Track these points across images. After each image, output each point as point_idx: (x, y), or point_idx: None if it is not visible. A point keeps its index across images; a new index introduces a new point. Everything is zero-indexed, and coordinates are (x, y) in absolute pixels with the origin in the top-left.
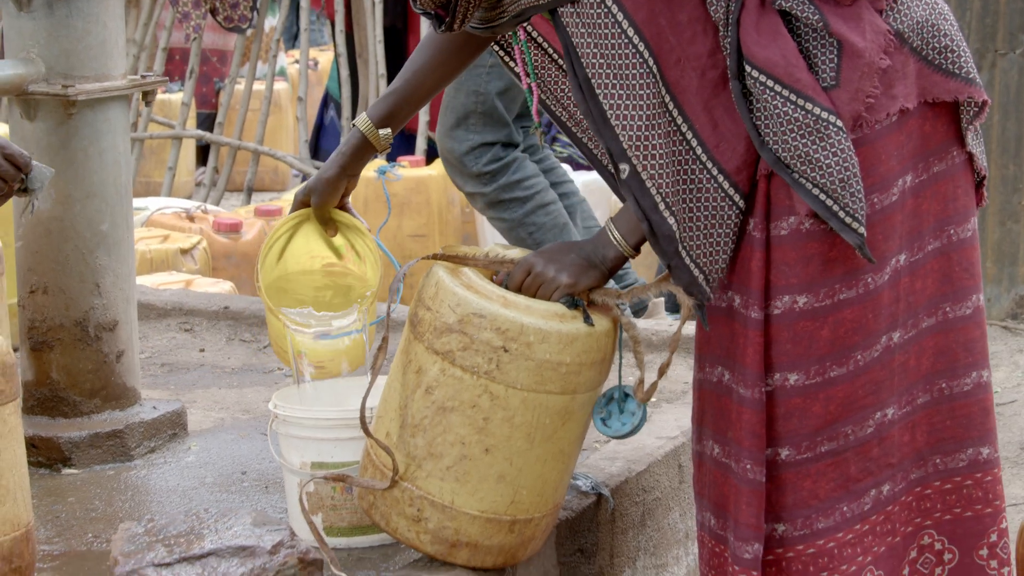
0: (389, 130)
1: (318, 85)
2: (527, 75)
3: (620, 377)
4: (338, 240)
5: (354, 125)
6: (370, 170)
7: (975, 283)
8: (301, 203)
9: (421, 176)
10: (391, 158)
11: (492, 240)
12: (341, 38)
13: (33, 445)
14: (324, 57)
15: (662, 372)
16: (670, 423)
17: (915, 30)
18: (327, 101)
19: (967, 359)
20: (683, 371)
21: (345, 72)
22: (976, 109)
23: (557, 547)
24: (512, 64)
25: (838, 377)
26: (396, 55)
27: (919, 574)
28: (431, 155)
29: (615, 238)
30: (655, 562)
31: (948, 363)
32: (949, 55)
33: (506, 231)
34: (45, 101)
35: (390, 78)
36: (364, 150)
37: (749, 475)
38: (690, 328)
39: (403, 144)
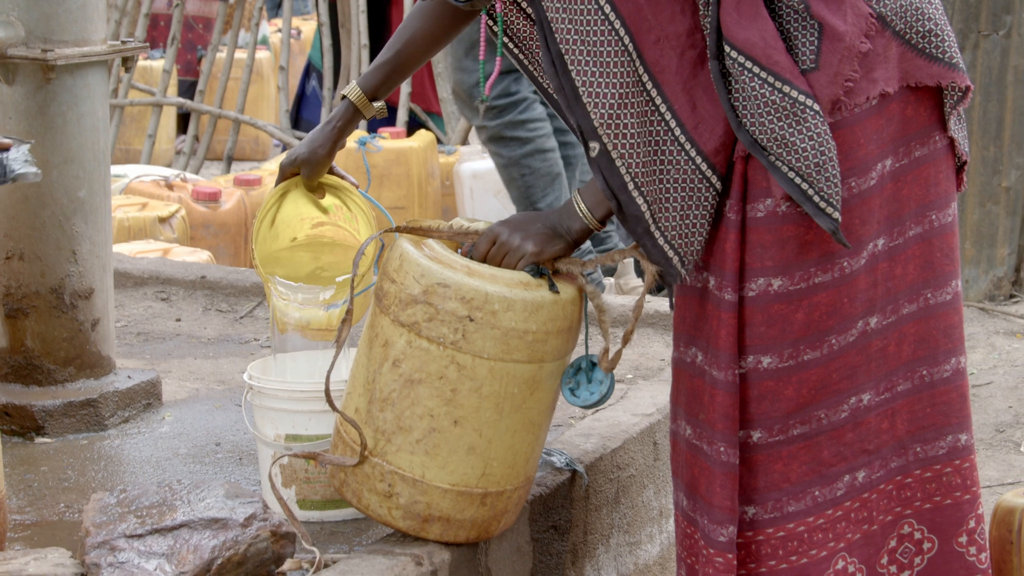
0: (382, 102)
1: (300, 55)
2: (487, 49)
3: (587, 347)
4: (327, 201)
5: (344, 96)
6: (350, 141)
7: (954, 268)
8: (289, 174)
9: (402, 148)
10: (372, 129)
11: (472, 213)
12: (324, 7)
13: (6, 413)
14: (307, 26)
15: (626, 340)
16: (645, 400)
17: (898, 13)
18: (309, 71)
19: (947, 345)
20: (659, 348)
21: (328, 42)
22: (959, 94)
23: (531, 523)
24: (507, 42)
25: (812, 361)
26: (379, 26)
27: (898, 563)
28: (412, 127)
29: (581, 210)
30: (629, 539)
31: (929, 350)
32: (933, 39)
33: (501, 167)
34: (24, 65)
35: (373, 48)
36: (355, 121)
37: (722, 457)
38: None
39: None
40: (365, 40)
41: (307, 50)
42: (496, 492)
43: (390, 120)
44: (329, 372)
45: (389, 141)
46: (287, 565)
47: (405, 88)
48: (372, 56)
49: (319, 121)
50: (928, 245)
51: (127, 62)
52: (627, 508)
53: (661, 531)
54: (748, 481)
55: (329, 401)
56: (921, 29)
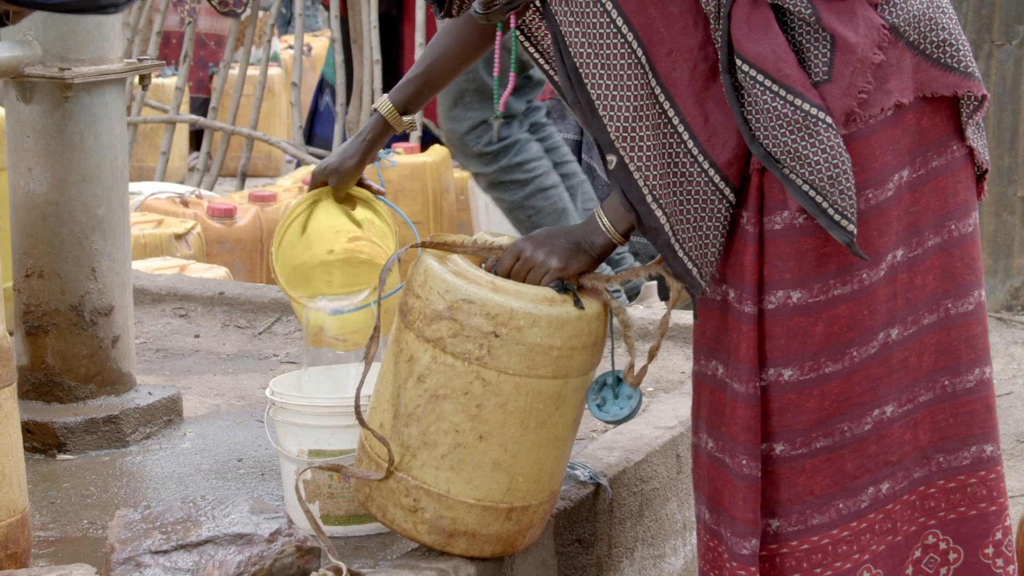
0: (413, 116)
1: (311, 71)
2: (501, 63)
3: (613, 362)
4: (360, 214)
5: (375, 110)
6: None
7: (976, 279)
8: (320, 182)
9: (416, 163)
10: (386, 144)
11: (487, 228)
12: (336, 23)
13: (28, 430)
14: (318, 43)
15: (652, 356)
16: (668, 413)
17: (912, 24)
18: (322, 87)
19: (969, 356)
20: (680, 361)
21: (340, 58)
22: (975, 103)
23: (555, 537)
24: (532, 51)
25: (833, 373)
26: (391, 41)
27: (924, 573)
28: (426, 142)
29: (604, 225)
30: (653, 552)
31: (951, 360)
32: (947, 49)
33: (506, 211)
34: (41, 84)
35: (385, 64)
36: (385, 134)
37: (744, 470)
38: (689, 317)
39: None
40: (377, 56)
41: (318, 66)
42: (521, 507)
43: (404, 135)
44: (359, 388)
45: (404, 156)
46: None
47: None
48: (384, 72)
49: (332, 137)
50: (948, 255)
51: (143, 80)
52: (651, 521)
53: (685, 544)
54: (772, 494)
55: (358, 416)
56: (935, 39)
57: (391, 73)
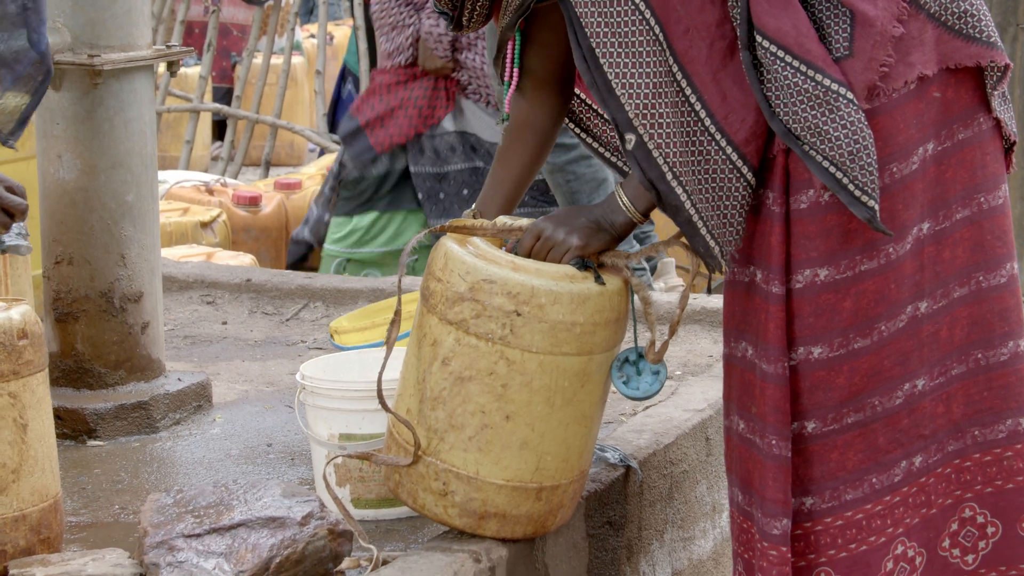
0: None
1: (333, 59)
2: (512, 65)
3: (635, 339)
4: None
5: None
6: None
7: (1008, 251)
8: None
9: None
10: None
11: None
12: (360, 11)
13: (58, 417)
14: (340, 32)
15: (672, 331)
16: (696, 395)
17: None
18: (345, 75)
19: (1003, 328)
20: (707, 344)
21: (363, 45)
22: (999, 74)
23: (586, 519)
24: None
25: (862, 348)
26: None
27: (961, 546)
28: None
29: (623, 203)
30: (683, 535)
31: (983, 333)
32: (969, 20)
33: (547, 173)
34: (71, 71)
35: None
36: None
37: (774, 450)
38: (716, 301)
39: None
40: None
41: (340, 55)
42: (551, 486)
43: None
44: (380, 373)
45: None
46: (345, 563)
47: None
48: None
49: None
50: (978, 227)
51: (172, 66)
52: (680, 504)
53: (714, 526)
54: (805, 472)
55: (381, 402)
56: (956, 10)
57: None
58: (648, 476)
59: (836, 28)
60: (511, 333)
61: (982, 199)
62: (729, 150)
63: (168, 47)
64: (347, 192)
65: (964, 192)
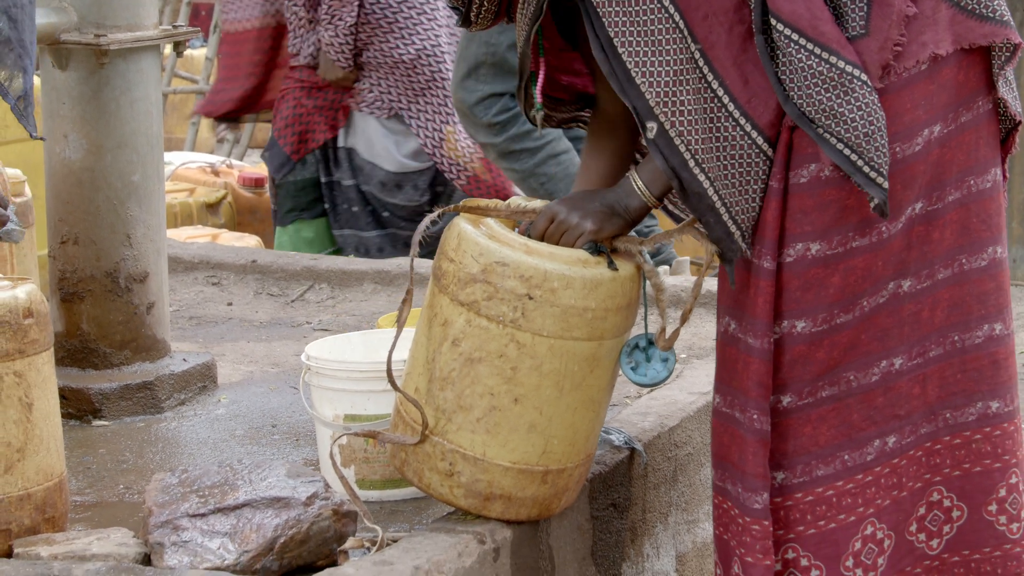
0: None
1: None
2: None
3: (646, 325)
4: None
5: None
6: None
7: (992, 235)
8: None
9: None
10: None
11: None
12: None
13: (64, 397)
14: None
15: (684, 319)
16: (701, 378)
17: None
18: None
19: (980, 311)
20: (712, 327)
21: None
22: (1008, 54)
23: (590, 501)
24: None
25: (844, 324)
26: None
27: (927, 531)
28: None
29: (638, 187)
30: (687, 517)
31: (962, 316)
32: None
33: (518, 181)
34: (77, 50)
35: None
36: None
37: (755, 425)
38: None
39: None
40: None
41: None
42: (557, 470)
43: None
44: (390, 352)
45: None
46: (349, 543)
47: None
48: None
49: None
50: (966, 210)
51: (178, 46)
52: (684, 486)
53: None
54: (778, 445)
55: (391, 381)
56: None
57: None
58: (653, 459)
59: (852, 7)
60: (522, 316)
61: (972, 182)
62: (754, 134)
63: (175, 27)
64: (277, 201)
65: (958, 174)
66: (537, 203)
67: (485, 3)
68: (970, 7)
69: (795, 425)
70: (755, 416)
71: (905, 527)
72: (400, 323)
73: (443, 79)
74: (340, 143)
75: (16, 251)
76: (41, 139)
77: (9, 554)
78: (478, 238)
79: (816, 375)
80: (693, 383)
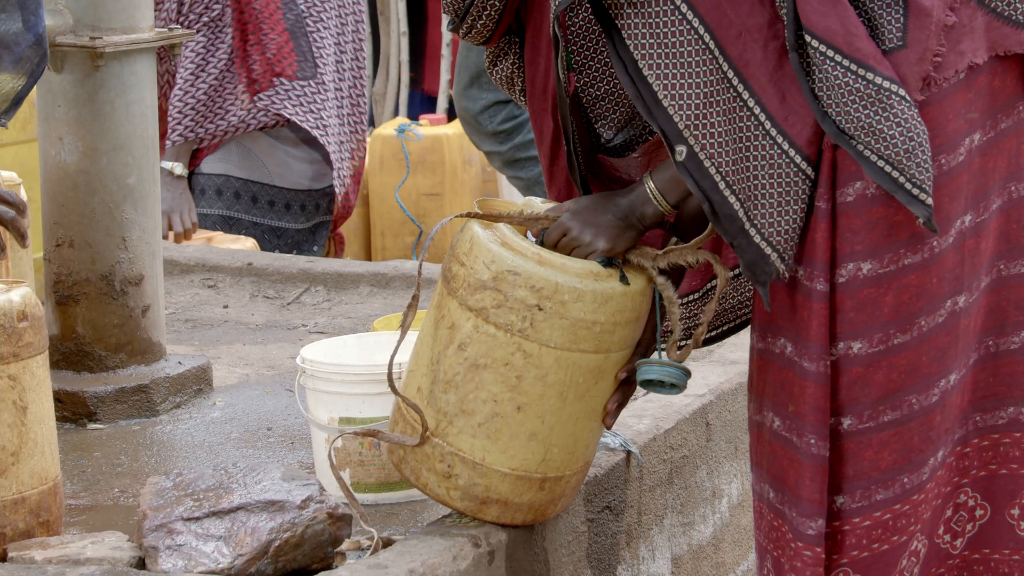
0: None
1: None
2: (564, 68)
3: (659, 340)
4: None
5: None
6: (390, 128)
7: None
8: None
9: (436, 135)
10: (413, 116)
11: (509, 198)
12: None
13: (59, 400)
14: None
15: (696, 341)
16: (697, 381)
17: None
18: None
19: (1016, 317)
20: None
21: (367, 29)
22: None
23: (586, 504)
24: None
25: (901, 344)
26: (417, 13)
27: (952, 531)
28: (451, 116)
29: (653, 195)
30: (682, 520)
31: (997, 321)
32: (1019, 5)
33: (523, 189)
34: (72, 53)
35: (411, 36)
36: None
37: (812, 450)
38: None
39: (423, 104)
40: (404, 28)
41: None
42: (555, 477)
43: (430, 108)
44: (392, 355)
45: (426, 128)
46: (346, 545)
47: (445, 75)
48: (412, 44)
49: None
50: (1006, 216)
51: (173, 49)
52: (680, 489)
53: (714, 512)
54: (838, 469)
55: (391, 383)
56: None
57: (418, 45)
58: (648, 461)
59: (889, 18)
60: (531, 326)
61: (1013, 188)
62: (792, 152)
63: (170, 30)
64: None
65: (1001, 181)
66: (550, 206)
67: (483, 18)
68: (1007, 13)
69: (856, 449)
70: (812, 441)
71: (935, 532)
72: (404, 327)
73: None
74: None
75: (11, 254)
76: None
77: (3, 558)
78: (491, 244)
79: (876, 398)
80: (689, 386)
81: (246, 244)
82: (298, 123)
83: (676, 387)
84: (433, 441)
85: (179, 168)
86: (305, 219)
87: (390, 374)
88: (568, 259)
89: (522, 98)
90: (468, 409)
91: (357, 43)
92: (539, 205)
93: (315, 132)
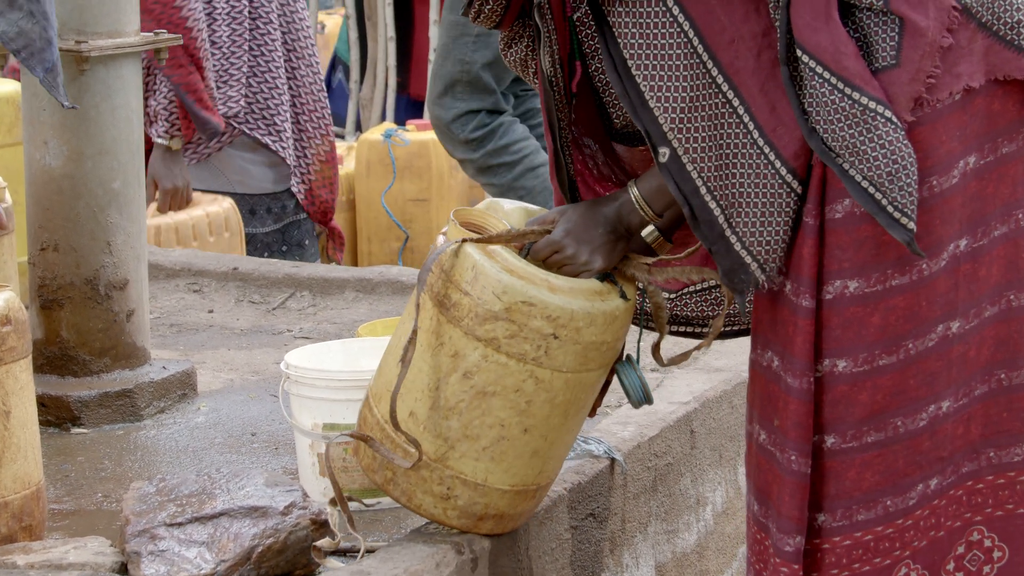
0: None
1: (324, 49)
2: (551, 59)
3: (639, 348)
4: None
5: None
6: (377, 133)
7: None
8: None
9: (422, 140)
10: (400, 122)
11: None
12: (351, 0)
13: (42, 404)
14: (331, 21)
15: (700, 346)
16: (682, 389)
17: (984, 4)
18: (335, 64)
19: None
20: (687, 341)
21: (354, 34)
22: None
23: (569, 511)
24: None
25: (887, 366)
26: (405, 18)
27: (966, 570)
28: None
29: (638, 202)
30: (666, 528)
31: (1009, 353)
32: (1023, 31)
33: (497, 195)
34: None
35: (399, 41)
36: None
37: (793, 466)
38: None
39: (410, 109)
40: (392, 33)
41: (331, 44)
42: (545, 484)
43: (417, 113)
44: (395, 394)
45: (413, 133)
46: (324, 542)
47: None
48: (399, 49)
49: (345, 114)
50: (1014, 245)
51: (159, 53)
52: (664, 496)
53: (698, 520)
54: (820, 487)
55: (393, 419)
56: (1009, 20)
57: (405, 50)
58: (632, 468)
59: (883, 37)
60: (545, 355)
61: (1020, 215)
62: (778, 164)
63: (156, 34)
64: None
65: (1003, 208)
66: (537, 217)
67: (490, 1)
68: (1008, 37)
69: (838, 468)
70: (793, 457)
71: (942, 566)
72: (405, 362)
73: None
74: None
75: None
76: (74, 107)
77: None
78: (500, 275)
79: (860, 418)
80: (673, 392)
81: (223, 204)
82: (246, 131)
83: (632, 403)
84: (432, 465)
85: (176, 143)
86: (273, 221)
87: (393, 410)
88: (573, 281)
89: (535, 80)
90: (472, 434)
91: (307, 39)
92: (505, 207)
93: (266, 139)
